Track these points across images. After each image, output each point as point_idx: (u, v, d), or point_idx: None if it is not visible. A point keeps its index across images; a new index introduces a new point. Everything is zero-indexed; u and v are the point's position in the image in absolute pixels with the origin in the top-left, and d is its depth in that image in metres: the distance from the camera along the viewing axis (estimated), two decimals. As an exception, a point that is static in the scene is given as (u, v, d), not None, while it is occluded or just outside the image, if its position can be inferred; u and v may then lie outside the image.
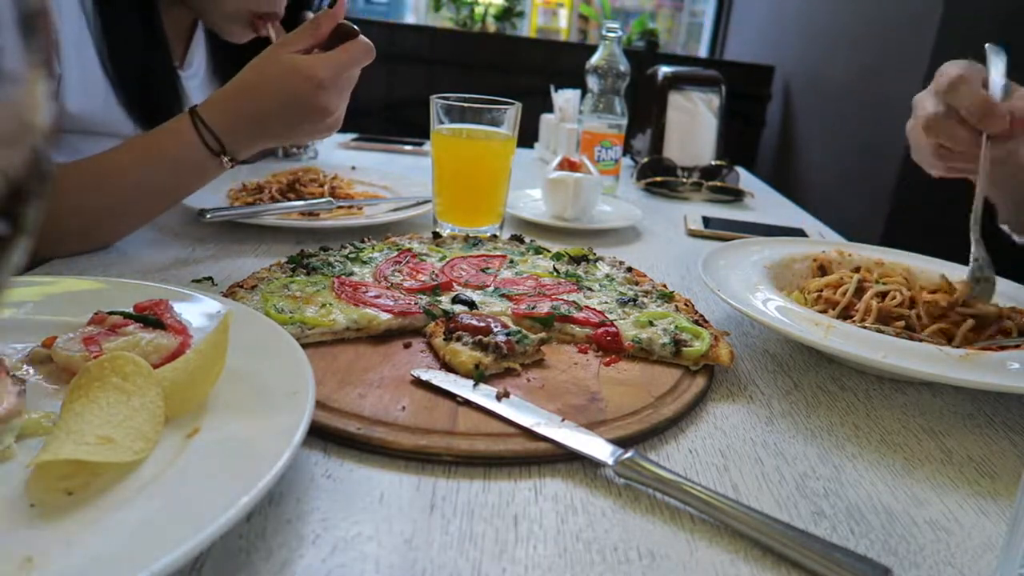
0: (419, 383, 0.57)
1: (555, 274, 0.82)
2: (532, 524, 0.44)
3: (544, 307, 0.70)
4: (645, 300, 0.74)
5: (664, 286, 0.78)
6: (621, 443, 0.51)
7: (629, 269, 0.85)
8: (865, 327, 0.68)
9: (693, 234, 1.19)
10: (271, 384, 0.48)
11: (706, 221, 1.25)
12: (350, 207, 1.06)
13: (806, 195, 2.75)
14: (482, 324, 0.64)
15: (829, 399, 0.64)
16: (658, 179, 1.50)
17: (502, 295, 0.74)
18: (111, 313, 0.55)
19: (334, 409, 0.53)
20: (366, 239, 0.89)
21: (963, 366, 0.59)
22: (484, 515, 0.44)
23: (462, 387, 0.57)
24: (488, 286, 0.77)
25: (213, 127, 0.80)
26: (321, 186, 1.13)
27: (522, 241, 0.94)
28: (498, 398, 0.55)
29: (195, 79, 1.14)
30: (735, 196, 1.48)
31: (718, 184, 1.49)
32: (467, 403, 0.55)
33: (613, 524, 0.44)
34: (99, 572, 0.33)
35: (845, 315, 0.73)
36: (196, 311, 0.59)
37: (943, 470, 0.54)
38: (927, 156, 0.80)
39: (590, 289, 0.77)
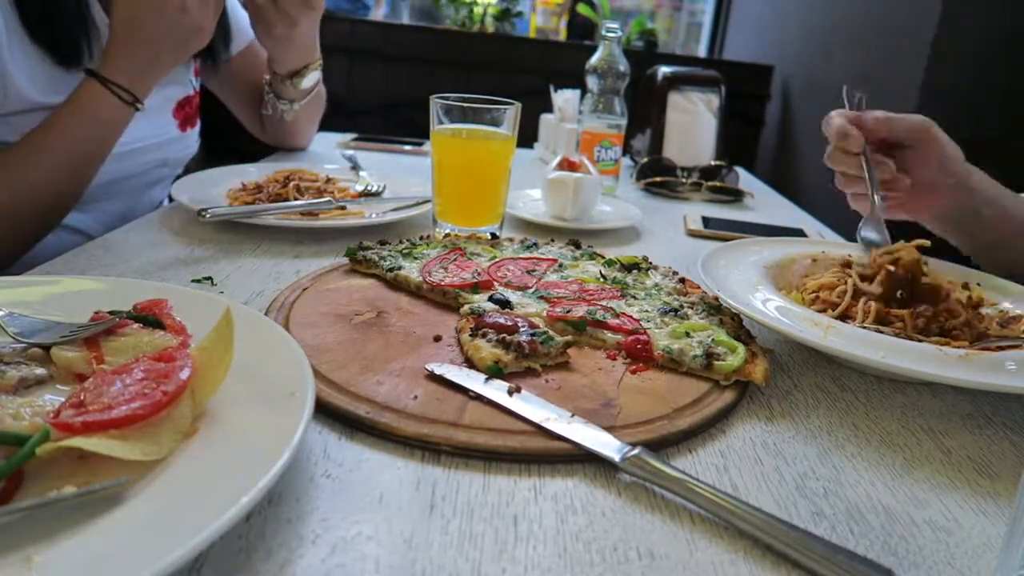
0: (435, 377, 0.58)
1: (601, 280, 0.81)
2: (532, 524, 0.44)
3: (579, 311, 0.70)
4: (689, 312, 0.73)
5: (715, 299, 0.75)
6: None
7: (682, 280, 0.83)
8: (864, 327, 0.68)
9: (693, 234, 1.19)
10: (271, 384, 0.48)
11: (706, 221, 1.25)
12: (341, 207, 1.06)
13: (806, 195, 2.75)
14: (509, 323, 0.64)
15: (829, 399, 0.64)
16: (658, 179, 1.50)
17: (540, 297, 0.74)
18: (111, 313, 0.55)
19: (350, 392, 0.55)
20: (422, 236, 0.93)
21: (962, 366, 0.59)
22: (484, 515, 0.44)
23: (474, 381, 0.57)
24: (529, 288, 0.77)
25: (121, 82, 0.90)
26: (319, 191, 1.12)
27: (578, 246, 0.94)
28: (509, 393, 0.55)
29: None
30: (735, 196, 1.48)
31: (718, 184, 1.49)
32: (479, 398, 0.55)
33: (613, 524, 0.44)
34: (99, 572, 0.33)
35: (844, 316, 0.73)
36: (196, 311, 0.59)
37: (943, 470, 0.54)
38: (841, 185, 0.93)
39: (634, 297, 0.77)
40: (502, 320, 0.65)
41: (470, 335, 0.64)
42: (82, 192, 0.97)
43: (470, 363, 0.61)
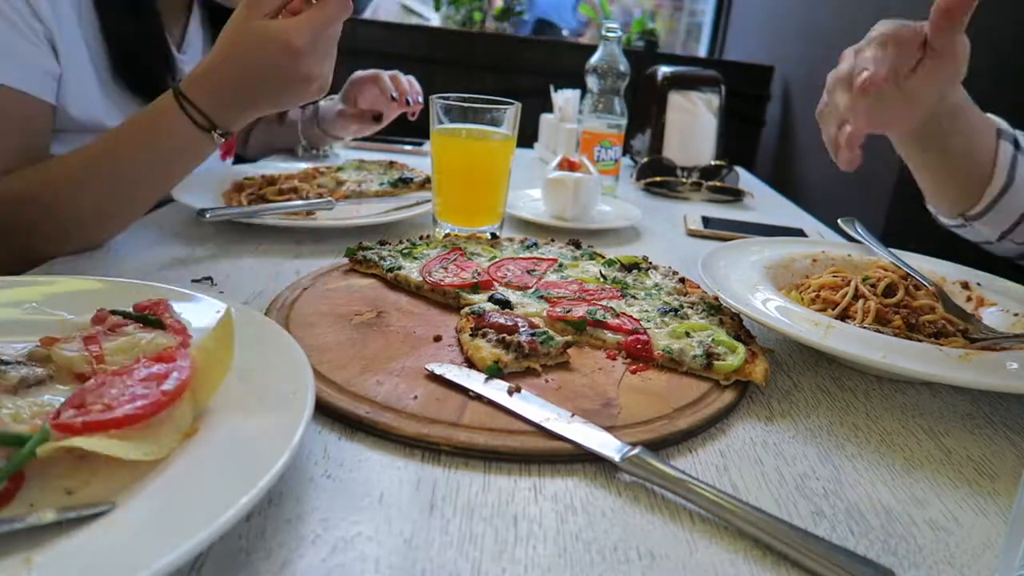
0: (435, 377, 0.58)
1: (601, 280, 0.81)
2: (532, 524, 0.44)
3: (579, 311, 0.70)
4: (689, 311, 0.73)
5: (715, 299, 0.74)
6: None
7: (682, 280, 0.83)
8: (864, 327, 0.68)
9: (693, 234, 1.19)
10: (271, 384, 0.48)
11: (706, 221, 1.25)
12: (329, 207, 1.05)
13: (806, 195, 2.75)
14: (510, 323, 0.64)
15: (829, 399, 0.64)
16: (658, 179, 1.50)
17: (540, 297, 0.74)
18: (112, 313, 0.55)
19: (350, 392, 0.55)
20: (422, 236, 0.92)
21: (962, 366, 0.59)
22: (484, 515, 0.44)
23: (474, 381, 0.57)
24: (530, 288, 0.77)
25: (199, 104, 0.78)
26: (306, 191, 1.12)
27: (579, 246, 0.94)
28: (509, 393, 0.55)
29: (192, 62, 1.13)
30: (735, 196, 1.48)
31: (718, 184, 1.49)
32: (479, 398, 0.55)
33: (613, 524, 0.44)
34: (99, 572, 0.33)
35: (844, 316, 0.73)
36: (196, 311, 0.59)
37: (943, 470, 0.54)
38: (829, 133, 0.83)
39: (634, 297, 0.76)
40: (502, 320, 0.65)
41: (470, 335, 0.64)
42: (128, 217, 0.87)
43: (470, 363, 0.61)
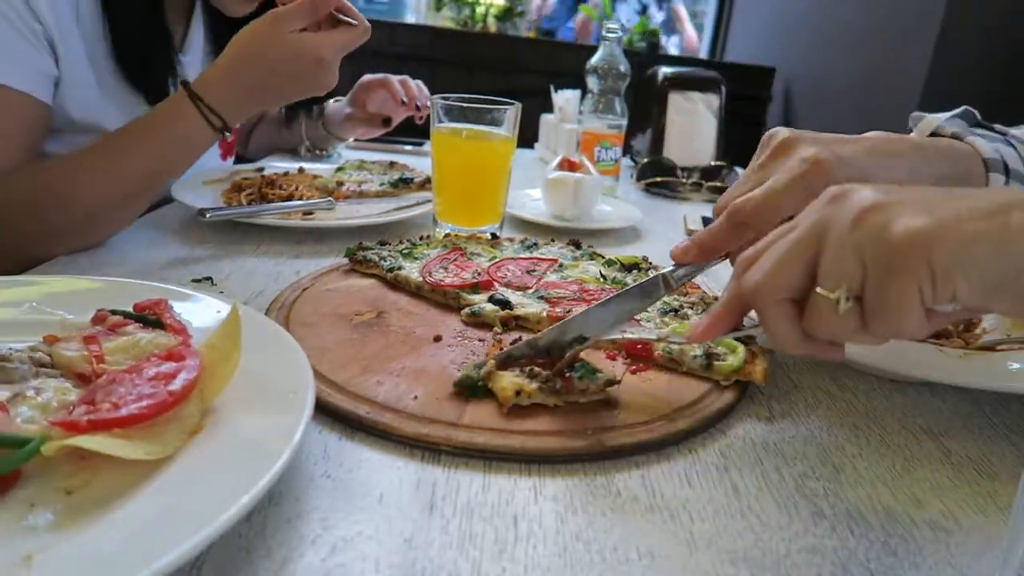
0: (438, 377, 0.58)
1: (601, 280, 0.81)
2: (532, 524, 0.44)
3: (579, 311, 0.69)
4: (689, 311, 0.72)
5: (715, 299, 0.74)
6: (625, 452, 0.51)
7: None
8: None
9: (693, 234, 1.18)
10: (271, 384, 0.48)
11: (706, 221, 1.25)
12: (329, 207, 1.06)
13: (806, 195, 2.75)
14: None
15: (829, 399, 0.64)
16: (658, 179, 1.50)
17: (541, 297, 0.74)
18: (112, 312, 0.55)
19: (350, 392, 0.55)
20: (422, 236, 0.92)
21: (963, 366, 0.59)
22: (484, 515, 0.44)
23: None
24: (530, 288, 0.77)
25: (213, 104, 0.83)
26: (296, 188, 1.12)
27: (579, 246, 0.94)
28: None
29: (193, 64, 1.14)
30: (735, 196, 1.48)
31: (718, 184, 1.49)
32: (480, 398, 0.55)
33: (613, 524, 0.44)
34: (99, 572, 0.33)
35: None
36: (196, 311, 0.59)
37: (943, 470, 0.54)
38: None
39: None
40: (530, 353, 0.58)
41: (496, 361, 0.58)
42: (130, 214, 0.88)
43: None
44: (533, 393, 0.55)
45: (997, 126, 0.70)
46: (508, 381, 0.55)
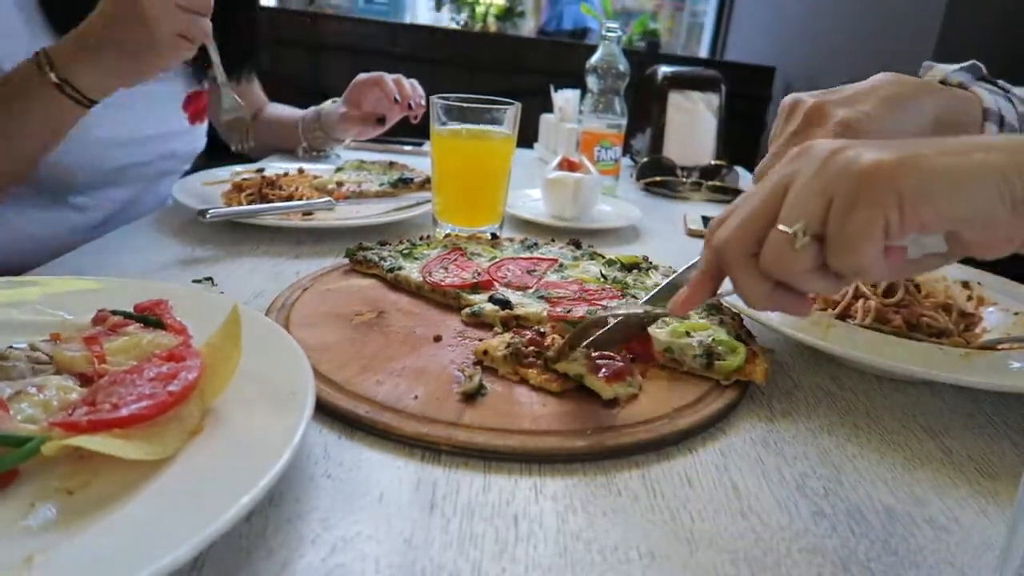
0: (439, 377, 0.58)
1: (601, 280, 0.81)
2: (532, 524, 0.44)
3: (580, 311, 0.69)
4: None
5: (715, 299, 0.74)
6: (625, 451, 0.51)
7: None
8: (865, 327, 0.68)
9: (693, 234, 1.19)
10: (271, 384, 0.48)
11: (706, 221, 1.24)
12: (329, 207, 1.06)
13: (806, 195, 2.75)
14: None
15: (829, 399, 0.64)
16: (658, 179, 1.50)
17: (541, 297, 0.74)
18: (113, 313, 0.55)
19: (350, 392, 0.55)
20: (422, 236, 0.92)
21: (963, 366, 0.59)
22: (484, 514, 0.44)
23: None
24: (530, 288, 0.77)
25: (51, 55, 0.84)
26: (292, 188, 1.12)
27: (579, 246, 0.94)
28: None
29: None
30: (735, 196, 1.48)
31: (718, 184, 1.49)
32: (479, 397, 0.55)
33: (613, 524, 0.44)
34: (99, 572, 0.33)
35: (844, 315, 0.73)
36: (196, 311, 0.59)
37: (943, 470, 0.54)
38: None
39: (634, 297, 0.76)
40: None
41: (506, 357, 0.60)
42: (13, 175, 0.92)
43: (477, 362, 0.61)
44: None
45: (1000, 82, 0.73)
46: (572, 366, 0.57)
